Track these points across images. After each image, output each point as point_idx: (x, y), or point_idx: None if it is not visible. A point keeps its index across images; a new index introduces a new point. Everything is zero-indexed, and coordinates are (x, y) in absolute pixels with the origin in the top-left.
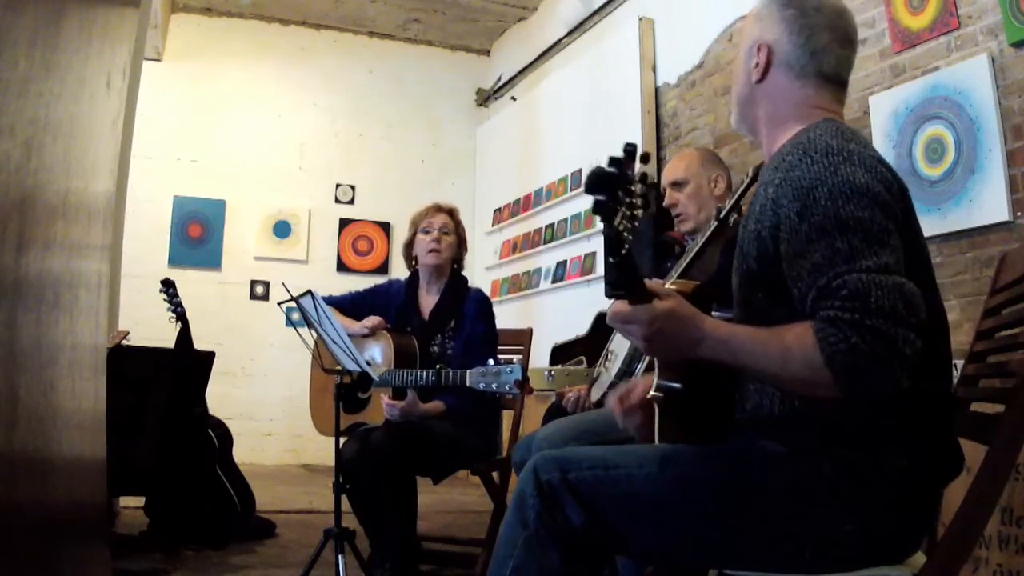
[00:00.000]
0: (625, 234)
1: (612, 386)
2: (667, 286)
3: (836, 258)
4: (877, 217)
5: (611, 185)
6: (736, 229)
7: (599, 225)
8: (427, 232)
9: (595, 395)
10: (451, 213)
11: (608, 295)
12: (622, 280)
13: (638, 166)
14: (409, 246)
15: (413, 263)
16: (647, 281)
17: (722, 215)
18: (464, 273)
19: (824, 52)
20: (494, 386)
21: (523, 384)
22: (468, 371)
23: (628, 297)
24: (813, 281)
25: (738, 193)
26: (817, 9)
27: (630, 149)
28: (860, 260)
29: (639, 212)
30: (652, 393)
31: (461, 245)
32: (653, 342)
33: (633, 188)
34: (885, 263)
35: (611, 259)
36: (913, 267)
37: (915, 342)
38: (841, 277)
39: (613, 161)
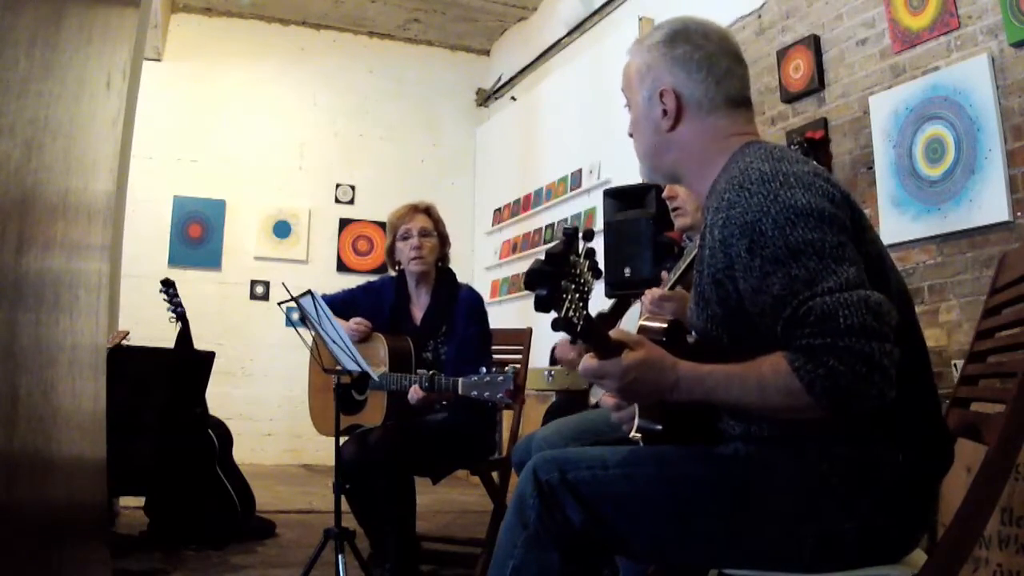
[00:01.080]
0: (576, 316)
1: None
2: (640, 323)
3: (796, 285)
4: (828, 235)
5: (550, 280)
6: None
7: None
8: (407, 238)
9: (594, 398)
10: (428, 212)
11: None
12: (587, 342)
13: (582, 244)
14: (391, 252)
15: (397, 267)
16: (614, 332)
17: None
18: (464, 270)
19: (727, 77)
20: (486, 394)
21: (515, 394)
22: (460, 379)
23: (596, 352)
24: (779, 313)
25: None
26: (706, 37)
27: (570, 233)
28: (820, 282)
29: (590, 286)
30: (633, 435)
31: (443, 243)
32: (628, 392)
33: (577, 271)
34: (846, 279)
35: (571, 338)
36: (875, 275)
37: (892, 351)
38: (805, 304)
39: (549, 257)
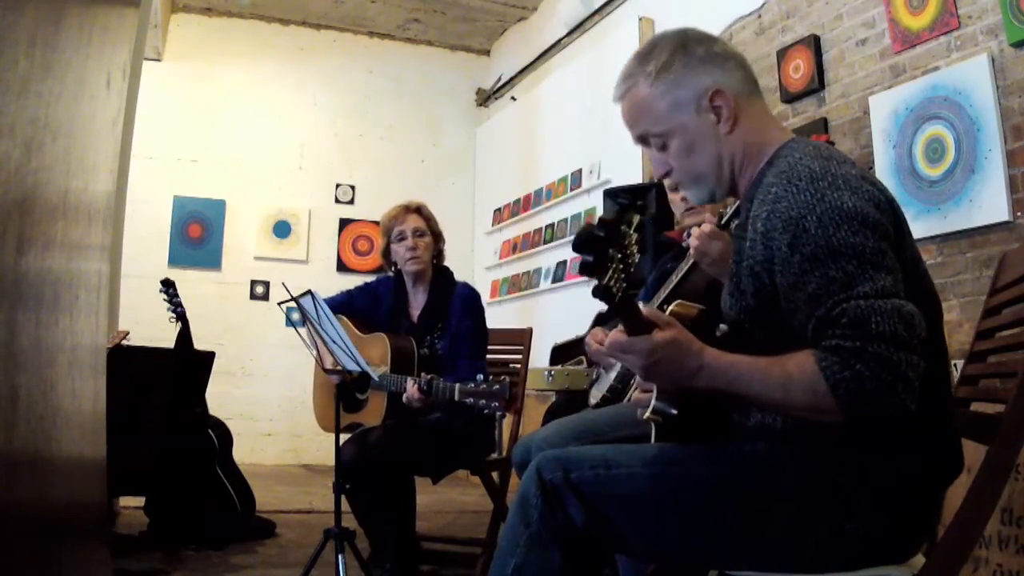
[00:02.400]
0: (616, 287)
1: (612, 390)
2: (672, 308)
3: (832, 286)
4: (869, 240)
5: (598, 246)
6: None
7: None
8: (402, 239)
9: (594, 398)
10: (419, 211)
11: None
12: (621, 315)
13: (636, 217)
14: (386, 253)
15: (394, 267)
16: (646, 310)
17: (723, 221)
18: (464, 270)
19: (744, 63)
20: (481, 402)
21: (509, 404)
22: (457, 385)
23: (626, 327)
24: (812, 311)
25: (739, 201)
26: (705, 35)
27: (626, 203)
28: (857, 286)
29: (634, 260)
30: (648, 415)
31: (437, 240)
32: (651, 372)
33: (626, 242)
34: (882, 286)
35: (607, 307)
36: (909, 279)
37: (918, 364)
38: (840, 305)
39: (602, 223)
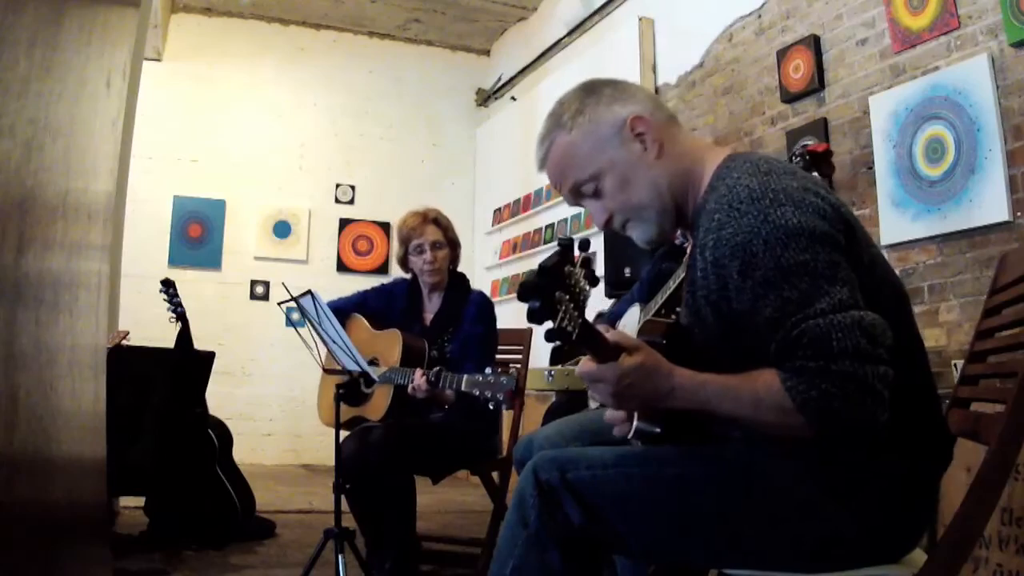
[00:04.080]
0: (572, 326)
1: None
2: (640, 324)
3: (788, 307)
4: (820, 255)
5: (542, 293)
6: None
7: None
8: (420, 252)
9: (594, 403)
10: (437, 222)
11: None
12: (585, 349)
13: (578, 253)
14: (403, 261)
15: (411, 272)
16: (612, 334)
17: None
18: (463, 270)
19: (652, 94)
20: (487, 394)
21: (516, 396)
22: (464, 376)
23: (593, 356)
24: (772, 335)
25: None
26: (611, 80)
27: (565, 243)
28: (813, 304)
29: (585, 294)
30: (631, 437)
31: (454, 248)
32: (623, 398)
33: (572, 281)
34: (839, 300)
35: (564, 345)
36: (869, 284)
37: (885, 374)
38: (798, 327)
39: (542, 270)
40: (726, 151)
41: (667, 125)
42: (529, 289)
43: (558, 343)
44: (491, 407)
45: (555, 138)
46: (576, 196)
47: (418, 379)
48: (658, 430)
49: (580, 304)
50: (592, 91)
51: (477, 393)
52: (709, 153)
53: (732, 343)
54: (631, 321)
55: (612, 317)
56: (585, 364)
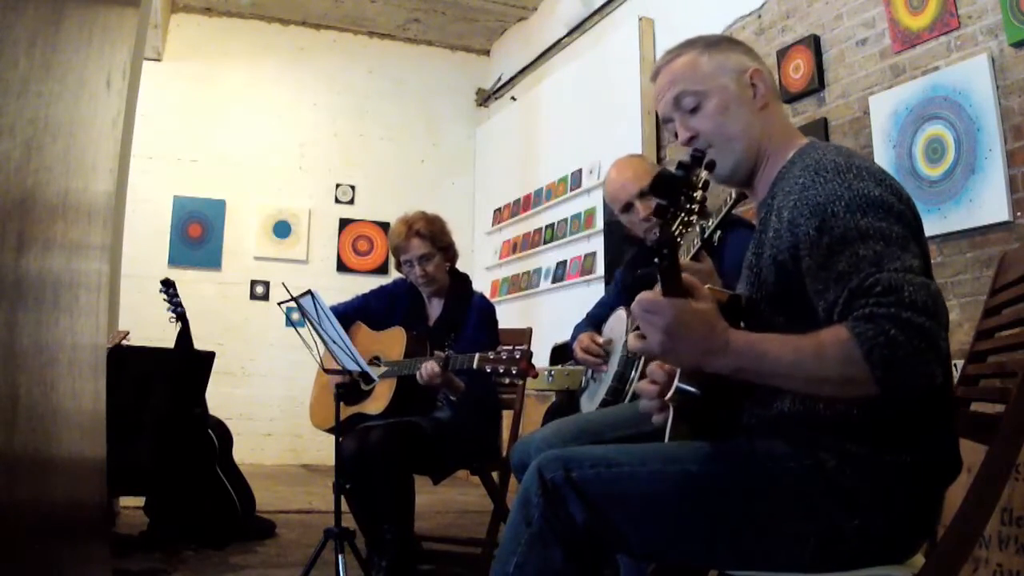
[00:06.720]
0: (677, 238)
1: (611, 391)
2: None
3: (862, 264)
4: (895, 227)
5: (675, 189)
6: (720, 247)
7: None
8: (410, 266)
9: (586, 407)
10: (420, 234)
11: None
12: (664, 271)
13: (704, 173)
14: (399, 268)
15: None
16: (687, 276)
17: (706, 234)
18: (463, 270)
19: (769, 75)
20: (501, 369)
21: (530, 366)
22: (476, 354)
23: (664, 287)
24: (843, 285)
25: (723, 213)
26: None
27: (698, 155)
28: (887, 263)
29: (695, 218)
30: (669, 395)
31: (447, 251)
32: (672, 337)
33: (695, 195)
34: (910, 264)
35: (655, 259)
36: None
37: (946, 339)
38: (873, 276)
39: (681, 165)
40: (810, 138)
41: (776, 95)
42: (665, 182)
43: (657, 253)
44: (507, 381)
45: (684, 52)
46: (674, 106)
47: (429, 368)
48: (698, 392)
49: (690, 224)
50: (731, 40)
51: (490, 369)
52: (796, 133)
53: (789, 310)
54: (618, 326)
55: (593, 321)
56: (648, 293)
